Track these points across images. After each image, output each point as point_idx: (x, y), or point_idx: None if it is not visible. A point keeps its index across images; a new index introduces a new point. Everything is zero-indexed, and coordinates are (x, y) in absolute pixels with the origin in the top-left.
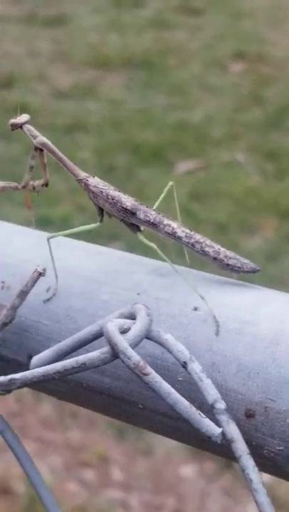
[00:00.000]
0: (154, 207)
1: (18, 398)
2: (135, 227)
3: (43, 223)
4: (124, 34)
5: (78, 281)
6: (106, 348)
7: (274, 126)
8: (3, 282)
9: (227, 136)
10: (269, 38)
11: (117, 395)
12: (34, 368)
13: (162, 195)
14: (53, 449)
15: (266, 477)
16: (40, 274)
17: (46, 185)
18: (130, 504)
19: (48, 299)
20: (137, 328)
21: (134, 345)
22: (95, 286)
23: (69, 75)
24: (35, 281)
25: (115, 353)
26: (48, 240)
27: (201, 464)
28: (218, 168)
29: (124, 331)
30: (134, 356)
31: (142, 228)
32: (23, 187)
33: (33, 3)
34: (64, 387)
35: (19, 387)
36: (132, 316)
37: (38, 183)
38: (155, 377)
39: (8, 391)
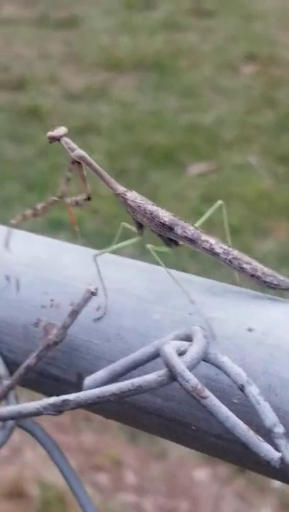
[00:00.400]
0: (198, 224)
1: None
2: (172, 242)
3: (56, 226)
4: (135, 36)
5: (129, 299)
6: (163, 371)
7: (286, 128)
8: (52, 300)
9: (239, 139)
10: (280, 40)
11: (169, 416)
12: (87, 388)
13: (208, 213)
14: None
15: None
16: (92, 294)
17: (89, 198)
18: (144, 508)
19: (99, 318)
20: (194, 350)
21: (192, 368)
22: (146, 305)
23: (80, 77)
24: (86, 300)
25: (173, 376)
26: (95, 257)
27: (214, 467)
28: (230, 170)
29: (181, 353)
30: (193, 379)
31: (180, 243)
32: (60, 197)
33: (45, 6)
34: (113, 406)
35: (72, 409)
36: (188, 338)
37: (80, 197)
38: (213, 401)
39: (60, 412)
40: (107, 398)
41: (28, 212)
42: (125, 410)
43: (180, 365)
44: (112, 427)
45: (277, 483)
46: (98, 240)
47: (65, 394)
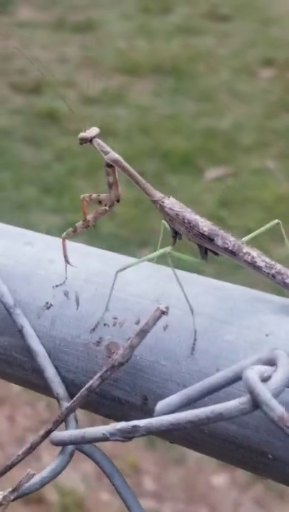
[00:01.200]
0: (246, 239)
1: (49, 406)
2: (206, 255)
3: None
4: (152, 40)
5: (199, 319)
6: (246, 398)
7: None
8: (115, 318)
9: (256, 143)
10: None
11: (244, 444)
12: (159, 414)
13: (262, 229)
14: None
15: None
16: (163, 313)
17: (118, 200)
18: None
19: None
20: (278, 376)
21: (276, 395)
22: (217, 325)
23: (97, 80)
24: (156, 320)
25: (256, 404)
26: (117, 272)
27: (232, 473)
28: (247, 175)
29: (264, 379)
30: (279, 408)
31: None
32: (110, 206)
33: (62, 9)
34: (181, 431)
35: (142, 435)
36: (271, 362)
37: (109, 200)
38: None
39: (129, 438)
40: (183, 426)
41: (79, 224)
42: (193, 436)
43: (265, 393)
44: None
45: None
46: (114, 242)
47: (128, 417)
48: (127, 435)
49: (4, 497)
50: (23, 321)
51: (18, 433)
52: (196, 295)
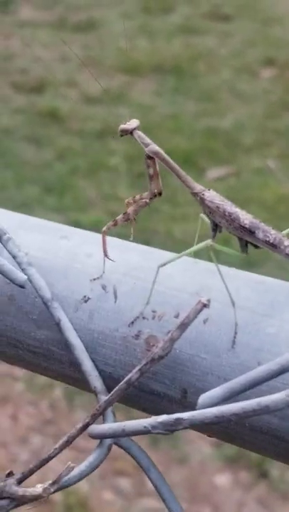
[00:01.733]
0: (286, 232)
1: (52, 405)
2: (246, 247)
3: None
4: (153, 40)
5: (240, 312)
6: None
7: None
8: (154, 312)
9: (258, 143)
10: None
11: (286, 437)
12: (202, 407)
13: None
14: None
15: None
16: (205, 306)
17: (160, 193)
18: None
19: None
20: None
21: None
22: (258, 318)
23: (99, 80)
24: (197, 313)
25: None
26: (158, 268)
27: (235, 473)
28: (249, 174)
29: None
30: None
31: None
32: (151, 199)
33: (63, 9)
34: (222, 425)
35: (184, 428)
36: None
37: (148, 195)
38: None
39: (171, 431)
40: (227, 418)
41: (119, 217)
42: (234, 429)
43: None
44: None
45: None
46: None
47: (166, 411)
48: (170, 428)
49: (44, 489)
50: (61, 315)
51: (21, 432)
52: (237, 289)
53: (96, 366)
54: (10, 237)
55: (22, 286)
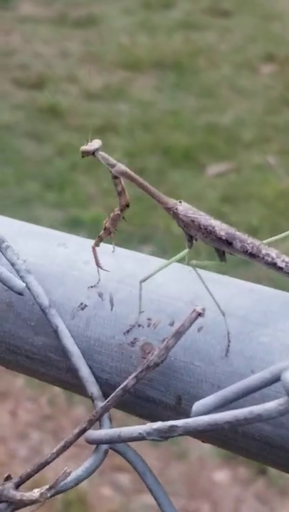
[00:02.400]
0: (268, 241)
1: (51, 401)
2: (223, 256)
3: (74, 225)
4: (154, 35)
5: (233, 321)
6: (284, 399)
7: None
8: (149, 320)
9: (258, 139)
10: None
11: (277, 444)
12: (196, 414)
13: (284, 235)
14: (88, 453)
15: None
16: (200, 315)
17: (128, 205)
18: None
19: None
20: None
21: None
22: (251, 327)
23: (99, 76)
24: (192, 321)
25: None
26: (141, 283)
27: (234, 469)
28: (249, 170)
29: None
30: None
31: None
32: (122, 211)
33: (64, 4)
34: (216, 431)
35: (180, 435)
36: None
37: (119, 209)
38: None
39: (166, 438)
40: (221, 426)
41: (102, 233)
42: (227, 436)
43: None
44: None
45: None
46: (116, 238)
47: (161, 417)
48: (164, 435)
49: (41, 494)
50: (58, 322)
51: (20, 428)
52: (230, 297)
53: (93, 373)
54: (8, 245)
55: (20, 294)
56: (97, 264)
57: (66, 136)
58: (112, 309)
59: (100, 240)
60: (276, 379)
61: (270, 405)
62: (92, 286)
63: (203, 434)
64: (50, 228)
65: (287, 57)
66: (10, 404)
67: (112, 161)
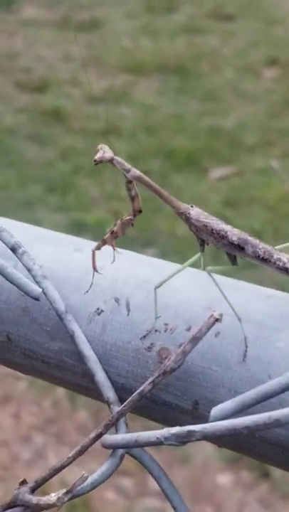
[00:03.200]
0: (278, 248)
1: (55, 404)
2: (235, 260)
3: (77, 228)
4: (157, 39)
5: (250, 326)
6: None
7: None
8: (166, 325)
9: (261, 143)
10: None
11: None
12: (214, 419)
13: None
14: (91, 457)
15: None
16: (217, 320)
17: (140, 211)
18: None
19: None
20: None
21: None
22: (268, 332)
23: (102, 79)
24: (210, 327)
25: None
26: (155, 290)
27: (237, 473)
28: (252, 174)
29: None
30: None
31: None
32: (134, 215)
33: (67, 8)
34: (233, 436)
35: (197, 440)
36: None
37: (130, 215)
38: None
39: (184, 443)
40: (239, 431)
41: (107, 236)
42: (244, 440)
43: None
44: (135, 431)
45: None
46: (119, 242)
47: (178, 422)
48: (182, 440)
49: (58, 498)
50: (74, 327)
51: (23, 431)
52: (247, 302)
53: (109, 377)
54: (25, 251)
55: (37, 299)
56: (94, 268)
57: (69, 139)
58: (128, 314)
59: (103, 243)
60: None
61: (288, 410)
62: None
63: (221, 439)
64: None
65: None
66: (13, 408)
67: (128, 166)
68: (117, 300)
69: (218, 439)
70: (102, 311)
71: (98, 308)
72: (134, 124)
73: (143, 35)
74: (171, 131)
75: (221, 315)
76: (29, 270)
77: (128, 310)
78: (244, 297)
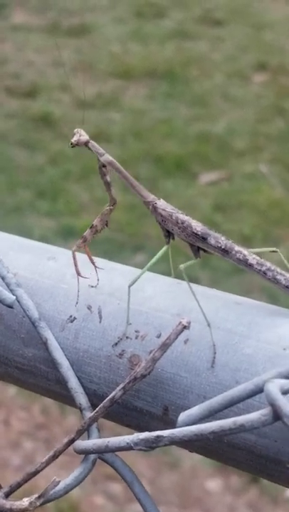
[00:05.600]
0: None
1: (44, 410)
2: (198, 252)
3: (66, 233)
4: (146, 44)
5: (218, 333)
6: (267, 410)
7: None
8: (137, 332)
9: (250, 148)
10: None
11: (262, 453)
12: (182, 424)
13: (261, 250)
14: (80, 462)
15: None
16: (185, 327)
17: (114, 203)
18: None
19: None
20: None
21: None
22: (237, 338)
23: (92, 84)
24: (178, 333)
25: (277, 416)
26: (129, 287)
27: (226, 478)
28: (241, 179)
29: (284, 392)
30: None
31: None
32: (113, 204)
33: (56, 13)
34: (202, 441)
35: (166, 445)
36: None
37: (108, 206)
38: None
39: (152, 448)
40: (206, 436)
41: (87, 232)
42: (213, 445)
43: (287, 406)
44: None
45: None
46: (109, 247)
47: (148, 427)
48: (151, 445)
49: (31, 503)
50: (48, 334)
51: (12, 437)
52: (217, 309)
53: (81, 383)
54: None
55: (10, 307)
56: (77, 272)
57: (58, 144)
58: (100, 322)
59: (84, 241)
60: (259, 390)
61: (253, 416)
62: (77, 303)
63: (190, 443)
64: (42, 236)
65: (278, 66)
66: (2, 414)
67: (102, 150)
68: (89, 307)
69: (186, 444)
70: (74, 318)
71: (71, 316)
72: (124, 129)
73: (132, 40)
74: (160, 136)
75: (189, 322)
76: (3, 278)
77: (100, 317)
78: (213, 304)
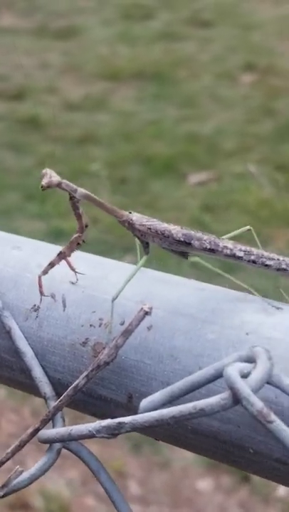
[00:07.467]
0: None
1: (34, 412)
2: (183, 254)
3: (55, 236)
4: (134, 46)
5: (182, 319)
6: (226, 394)
7: (285, 137)
8: (101, 320)
9: (238, 148)
10: (279, 49)
11: (226, 439)
12: (143, 411)
13: (233, 234)
14: (70, 463)
15: None
16: (147, 313)
17: (87, 226)
18: None
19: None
20: (258, 372)
21: (256, 391)
22: (200, 324)
23: (80, 86)
24: (140, 320)
25: (237, 399)
26: (112, 302)
27: (217, 477)
28: (230, 179)
29: (243, 376)
30: (258, 403)
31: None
32: (82, 232)
33: (44, 16)
34: (165, 428)
35: (127, 432)
36: (251, 360)
37: (79, 233)
38: (280, 425)
39: (115, 435)
40: (167, 421)
41: (55, 259)
42: (177, 432)
43: (245, 388)
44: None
45: (281, 493)
46: (99, 248)
47: (113, 415)
48: (113, 432)
49: None
50: (11, 323)
51: (2, 439)
52: (180, 296)
53: (46, 373)
54: None
55: None
56: (41, 293)
57: (46, 147)
58: (64, 310)
59: (51, 266)
60: (220, 375)
61: (213, 400)
62: (44, 296)
63: (155, 430)
64: (30, 238)
65: (267, 66)
66: None
67: (75, 186)
68: (53, 296)
69: (149, 430)
70: (38, 307)
71: (35, 305)
72: (112, 131)
73: (120, 42)
74: (149, 137)
75: (150, 308)
76: None
77: (64, 306)
78: (177, 291)
